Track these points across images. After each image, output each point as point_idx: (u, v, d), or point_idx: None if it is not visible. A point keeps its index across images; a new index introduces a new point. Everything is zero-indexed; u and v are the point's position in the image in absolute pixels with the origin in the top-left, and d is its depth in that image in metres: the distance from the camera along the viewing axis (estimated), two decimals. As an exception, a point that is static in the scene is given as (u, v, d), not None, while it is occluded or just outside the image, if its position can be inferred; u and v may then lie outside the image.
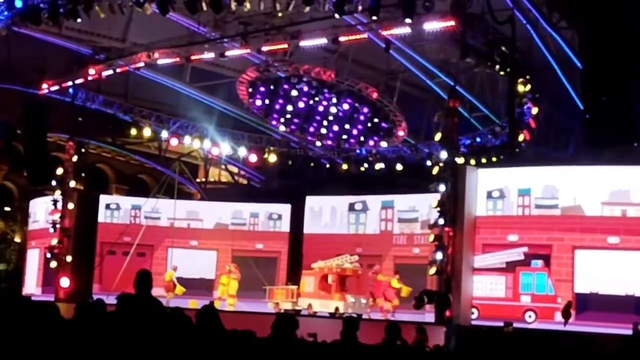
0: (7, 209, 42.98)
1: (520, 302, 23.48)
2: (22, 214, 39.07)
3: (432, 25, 22.83)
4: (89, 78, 29.88)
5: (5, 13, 25.42)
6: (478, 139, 32.28)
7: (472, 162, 26.83)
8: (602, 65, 21.25)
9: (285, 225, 33.62)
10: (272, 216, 33.95)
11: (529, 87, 26.34)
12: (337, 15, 22.70)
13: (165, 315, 9.05)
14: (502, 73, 25.25)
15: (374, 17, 22.49)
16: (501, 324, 20.65)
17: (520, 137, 27.21)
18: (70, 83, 30.60)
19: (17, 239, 40.80)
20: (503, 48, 24.58)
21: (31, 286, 33.83)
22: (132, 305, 8.94)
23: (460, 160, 24.04)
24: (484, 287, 23.79)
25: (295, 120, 33.03)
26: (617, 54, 20.62)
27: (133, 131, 35.45)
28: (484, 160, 29.12)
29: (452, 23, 22.57)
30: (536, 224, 23.76)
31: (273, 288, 29.23)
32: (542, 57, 27.50)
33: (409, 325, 17.60)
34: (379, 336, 11.14)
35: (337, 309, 25.85)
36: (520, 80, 26.03)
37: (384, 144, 33.42)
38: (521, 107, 26.99)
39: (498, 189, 24.22)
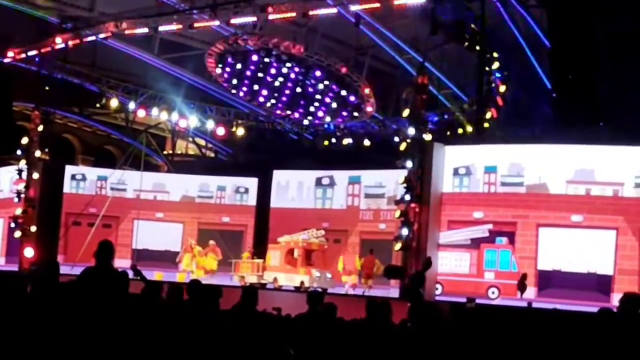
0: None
1: (484, 278, 23.71)
2: (-14, 183, 38.66)
3: (402, 1, 22.81)
4: (56, 47, 29.52)
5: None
6: (446, 116, 32.31)
7: (439, 138, 26.88)
8: (570, 45, 21.38)
9: (252, 199, 33.69)
10: (239, 189, 33.97)
11: (497, 64, 26.40)
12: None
13: (124, 287, 9.04)
14: (471, 50, 25.30)
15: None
16: (465, 300, 20.84)
17: (488, 115, 27.29)
18: (36, 52, 30.20)
19: (-19, 209, 40.41)
20: (473, 25, 24.62)
21: (-6, 256, 33.63)
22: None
23: (427, 136, 24.11)
24: (449, 263, 24.01)
25: (264, 93, 32.81)
26: (585, 34, 20.75)
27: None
28: (450, 137, 29.17)
29: (422, -1, 22.59)
30: (501, 201, 23.97)
31: (239, 261, 29.24)
32: (511, 36, 27.55)
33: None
34: (346, 311, 11.19)
35: (302, 283, 25.95)
36: (489, 57, 26.09)
37: (352, 119, 33.35)
38: (489, 85, 27.06)
39: (464, 166, 24.38)
